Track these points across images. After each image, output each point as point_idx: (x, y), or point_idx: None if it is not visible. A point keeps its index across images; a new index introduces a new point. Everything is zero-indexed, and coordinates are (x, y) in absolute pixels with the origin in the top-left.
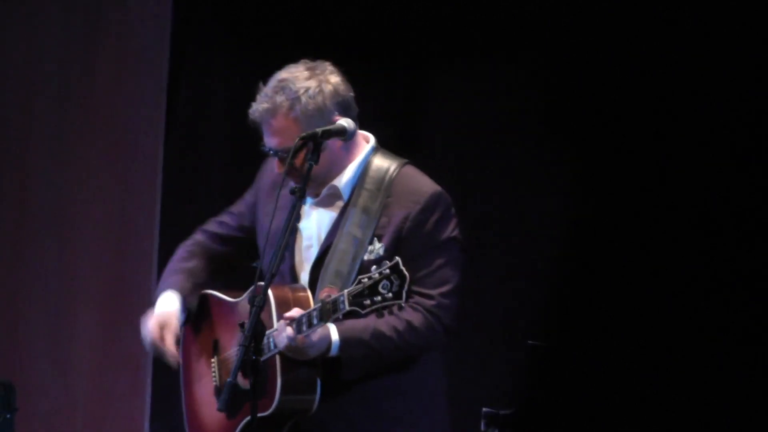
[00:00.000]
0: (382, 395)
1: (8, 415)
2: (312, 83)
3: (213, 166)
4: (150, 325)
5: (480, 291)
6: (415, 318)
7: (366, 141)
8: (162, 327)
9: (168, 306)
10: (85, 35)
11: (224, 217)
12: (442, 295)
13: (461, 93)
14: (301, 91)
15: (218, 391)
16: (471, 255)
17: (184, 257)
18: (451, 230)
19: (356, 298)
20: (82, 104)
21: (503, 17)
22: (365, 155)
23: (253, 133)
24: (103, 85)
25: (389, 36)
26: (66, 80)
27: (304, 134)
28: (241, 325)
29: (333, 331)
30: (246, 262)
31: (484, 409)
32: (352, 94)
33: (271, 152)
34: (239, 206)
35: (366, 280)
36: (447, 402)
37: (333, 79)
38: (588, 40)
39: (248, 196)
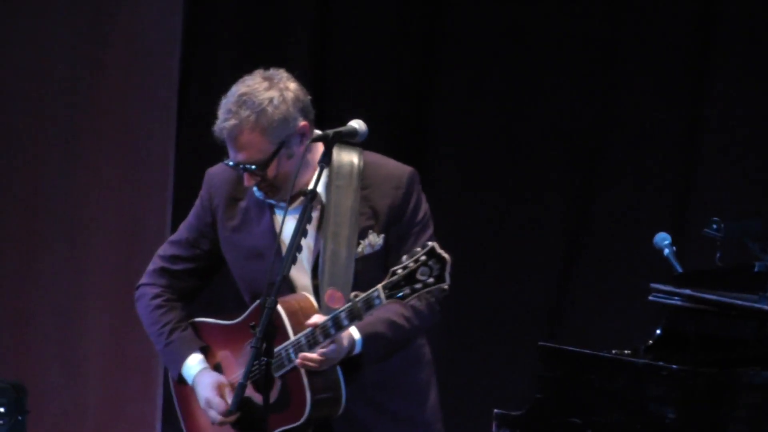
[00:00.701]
0: (396, 374)
1: (19, 417)
2: (274, 93)
3: None
4: (215, 400)
5: (491, 292)
6: (417, 302)
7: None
8: (221, 395)
9: (208, 376)
10: (95, 36)
11: (174, 251)
12: None
13: (467, 93)
14: (265, 102)
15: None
16: (483, 256)
17: (163, 309)
18: (426, 205)
19: (393, 290)
20: (93, 106)
21: (508, 19)
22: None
23: None
24: (113, 87)
25: (397, 35)
26: (76, 82)
27: (315, 136)
28: (252, 327)
29: (353, 330)
30: (205, 285)
31: (495, 411)
32: (309, 97)
33: (241, 167)
34: (188, 233)
35: (401, 270)
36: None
37: (291, 85)
38: (589, 42)
39: (198, 218)
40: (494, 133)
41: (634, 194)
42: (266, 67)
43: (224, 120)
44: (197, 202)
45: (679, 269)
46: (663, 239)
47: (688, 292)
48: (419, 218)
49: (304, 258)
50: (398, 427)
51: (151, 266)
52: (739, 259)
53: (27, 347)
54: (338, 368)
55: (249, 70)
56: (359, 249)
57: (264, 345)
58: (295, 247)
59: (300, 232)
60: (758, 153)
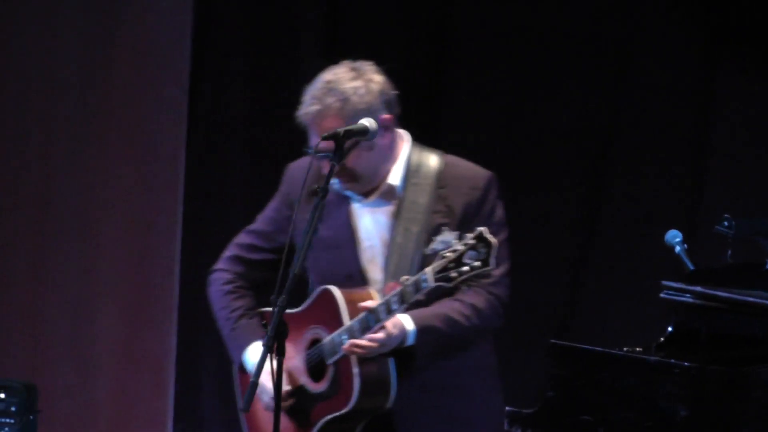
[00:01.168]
0: (453, 372)
1: (31, 417)
2: (359, 83)
3: (235, 167)
4: (267, 385)
5: None
6: (479, 301)
7: (402, 137)
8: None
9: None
10: (105, 36)
11: (251, 240)
12: (502, 275)
13: (477, 90)
14: (350, 91)
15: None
16: None
17: (235, 295)
18: (503, 211)
19: (440, 273)
20: (103, 105)
21: (518, 16)
22: (408, 151)
23: (274, 135)
24: (123, 86)
25: (406, 34)
26: (86, 81)
27: (325, 134)
28: (264, 326)
29: (407, 321)
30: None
31: (507, 408)
32: (395, 91)
33: (321, 155)
34: (265, 226)
35: (450, 254)
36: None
37: (377, 77)
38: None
39: (276, 211)
40: (505, 130)
41: (645, 191)
42: (350, 60)
43: (308, 105)
44: (276, 196)
45: (691, 266)
46: (674, 236)
47: (699, 289)
48: (495, 220)
49: (379, 252)
50: (452, 428)
51: (226, 252)
52: (751, 257)
53: (38, 346)
54: (391, 361)
55: (259, 69)
56: (432, 245)
57: (276, 343)
58: (308, 244)
59: (311, 230)
60: None
